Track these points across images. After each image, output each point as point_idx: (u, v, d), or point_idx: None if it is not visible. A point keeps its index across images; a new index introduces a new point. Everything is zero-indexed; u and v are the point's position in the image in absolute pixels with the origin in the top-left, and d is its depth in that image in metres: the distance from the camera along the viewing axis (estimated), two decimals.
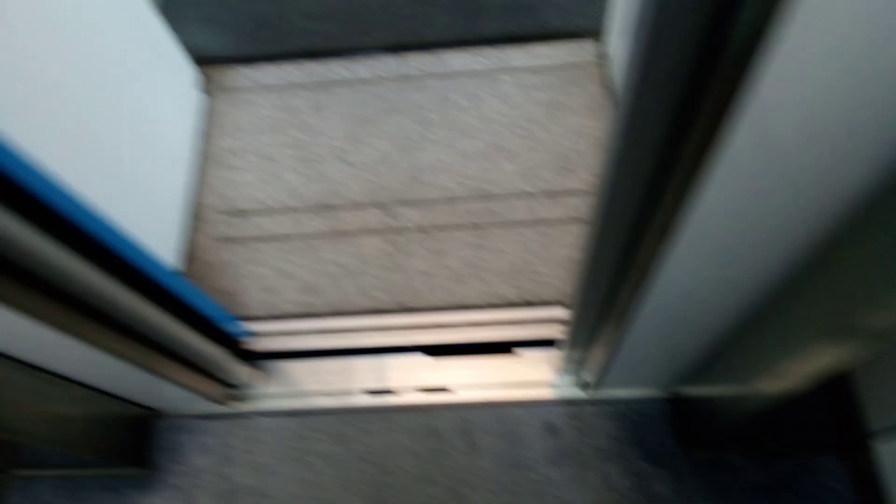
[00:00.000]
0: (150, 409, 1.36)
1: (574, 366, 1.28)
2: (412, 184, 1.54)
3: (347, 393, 1.38)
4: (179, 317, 0.99)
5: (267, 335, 1.43)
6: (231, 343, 1.33)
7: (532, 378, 1.36)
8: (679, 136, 0.52)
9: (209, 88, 1.70)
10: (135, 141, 1.37)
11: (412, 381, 1.39)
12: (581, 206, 1.48)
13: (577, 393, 1.33)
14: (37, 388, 1.03)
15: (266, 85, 1.70)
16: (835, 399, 1.19)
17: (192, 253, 1.53)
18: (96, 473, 1.33)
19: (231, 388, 1.36)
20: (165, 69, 1.54)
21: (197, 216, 1.56)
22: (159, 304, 0.89)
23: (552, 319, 1.40)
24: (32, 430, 1.02)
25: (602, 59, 1.62)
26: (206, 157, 1.62)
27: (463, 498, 1.26)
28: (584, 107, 1.54)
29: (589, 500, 1.24)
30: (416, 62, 1.67)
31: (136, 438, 1.32)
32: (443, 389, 1.37)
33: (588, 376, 1.26)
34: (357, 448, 1.32)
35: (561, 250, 1.45)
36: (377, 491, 1.28)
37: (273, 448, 1.33)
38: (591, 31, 1.66)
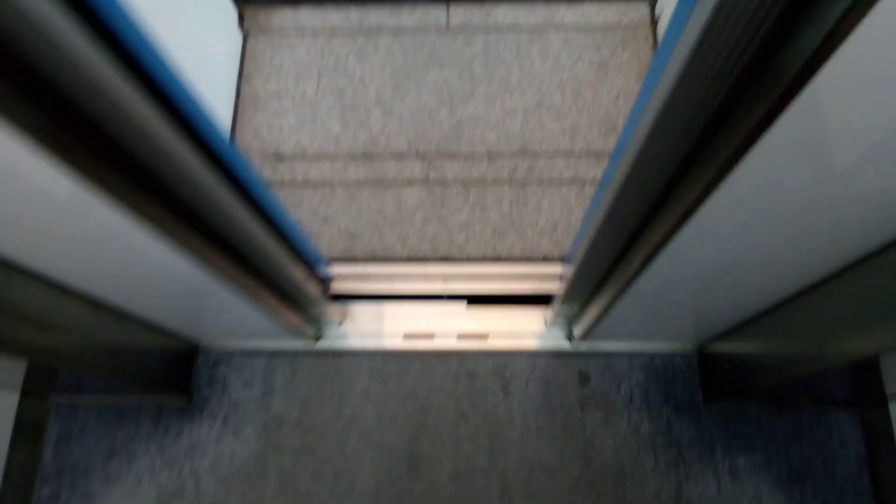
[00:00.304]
0: (195, 343, 1.38)
1: (567, 319, 1.34)
2: (454, 137, 1.56)
3: (387, 336, 1.42)
4: (281, 244, 1.00)
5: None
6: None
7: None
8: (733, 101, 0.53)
9: (250, 29, 1.68)
10: None
11: (450, 327, 1.43)
12: None
13: (607, 345, 1.40)
14: (98, 323, 1.05)
15: (308, 28, 1.68)
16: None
17: None
18: (139, 401, 1.35)
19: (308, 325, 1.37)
20: (207, 5, 1.52)
21: None
22: (262, 222, 0.88)
23: None
24: (89, 361, 1.04)
25: (654, 21, 1.64)
26: (247, 100, 1.61)
27: (495, 436, 1.33)
28: (633, 69, 1.57)
29: (615, 443, 1.32)
30: (464, 14, 1.68)
31: (180, 371, 1.35)
32: (480, 336, 1.42)
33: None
34: (395, 388, 1.37)
35: None
36: (414, 427, 1.34)
37: (313, 384, 1.37)
38: None
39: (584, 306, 1.19)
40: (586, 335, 1.27)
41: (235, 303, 1.01)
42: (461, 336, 1.42)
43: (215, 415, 1.34)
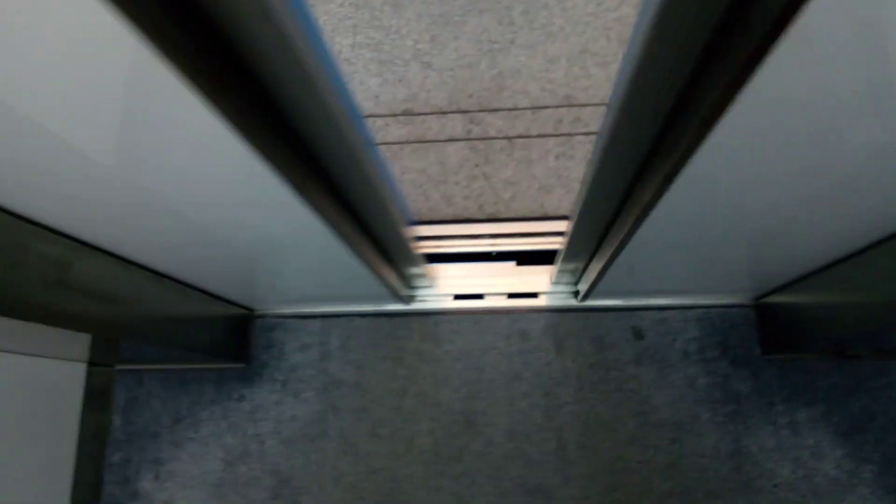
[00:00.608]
0: (250, 309, 1.40)
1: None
2: (496, 90, 1.51)
3: (438, 297, 1.42)
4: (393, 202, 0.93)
5: None
6: None
7: None
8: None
9: None
10: None
11: (500, 287, 1.42)
12: None
13: (661, 300, 1.37)
14: (160, 293, 1.07)
15: None
16: None
17: None
18: (200, 367, 1.39)
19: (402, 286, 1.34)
20: None
21: None
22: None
23: None
24: (152, 331, 1.06)
25: None
26: None
27: (549, 393, 1.34)
28: None
29: (671, 397, 1.31)
30: None
31: (238, 336, 1.37)
32: (530, 295, 1.41)
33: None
34: (448, 347, 1.38)
35: None
36: (469, 386, 1.35)
37: (369, 345, 1.39)
38: None
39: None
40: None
41: (349, 265, 1.00)
42: (511, 295, 1.41)
43: (275, 379, 1.37)
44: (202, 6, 0.43)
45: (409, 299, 1.39)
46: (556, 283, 1.39)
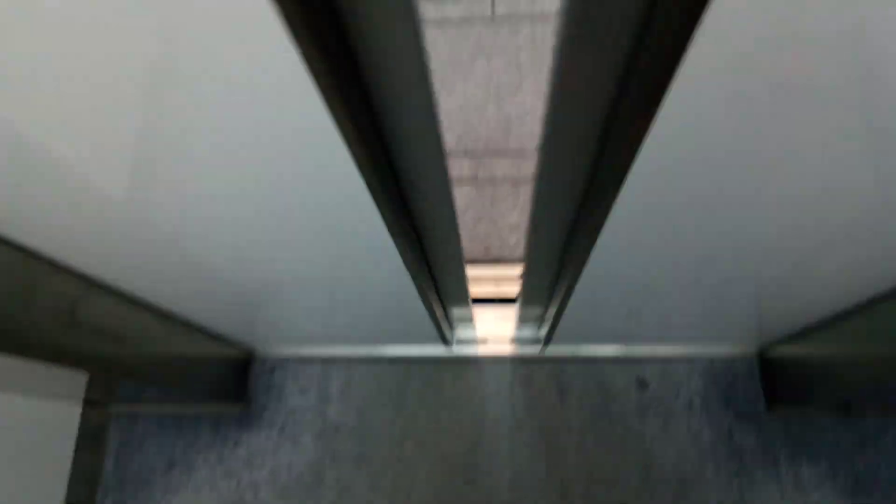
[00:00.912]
0: (250, 350, 1.38)
1: None
2: (503, 132, 1.51)
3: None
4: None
5: None
6: None
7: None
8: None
9: None
10: None
11: (503, 332, 1.41)
12: None
13: (665, 349, 1.36)
14: (163, 332, 1.05)
15: None
16: None
17: None
18: (197, 410, 1.36)
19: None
20: None
21: None
22: None
23: None
24: (154, 371, 1.04)
25: None
26: None
27: (553, 444, 1.32)
28: None
29: (675, 451, 1.30)
30: (509, 2, 1.60)
31: (237, 378, 1.35)
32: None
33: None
34: (450, 394, 1.36)
35: None
36: (471, 434, 1.33)
37: (368, 390, 1.36)
38: None
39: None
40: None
41: (407, 304, 0.98)
42: (514, 341, 1.40)
43: (273, 423, 1.35)
44: None
45: (450, 342, 1.36)
46: (519, 328, 1.36)
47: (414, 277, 0.83)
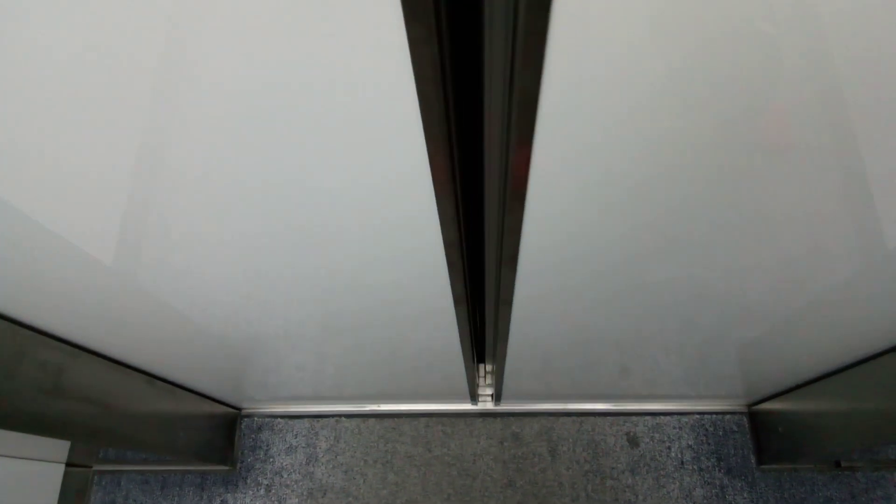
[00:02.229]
0: (237, 408, 1.37)
1: None
2: None
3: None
4: None
5: None
6: None
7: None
8: None
9: None
10: None
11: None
12: None
13: (655, 405, 1.36)
14: (149, 395, 1.04)
15: None
16: None
17: None
18: (182, 469, 1.34)
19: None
20: None
21: None
22: None
23: None
24: (139, 435, 1.03)
25: None
26: None
27: (543, 502, 1.30)
28: None
29: None
30: None
31: (223, 437, 1.33)
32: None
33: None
34: (439, 451, 1.35)
35: None
36: (461, 493, 1.31)
37: (357, 449, 1.35)
38: None
39: None
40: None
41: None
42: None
43: (259, 483, 1.33)
44: None
45: (477, 398, 1.37)
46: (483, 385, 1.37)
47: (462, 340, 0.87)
